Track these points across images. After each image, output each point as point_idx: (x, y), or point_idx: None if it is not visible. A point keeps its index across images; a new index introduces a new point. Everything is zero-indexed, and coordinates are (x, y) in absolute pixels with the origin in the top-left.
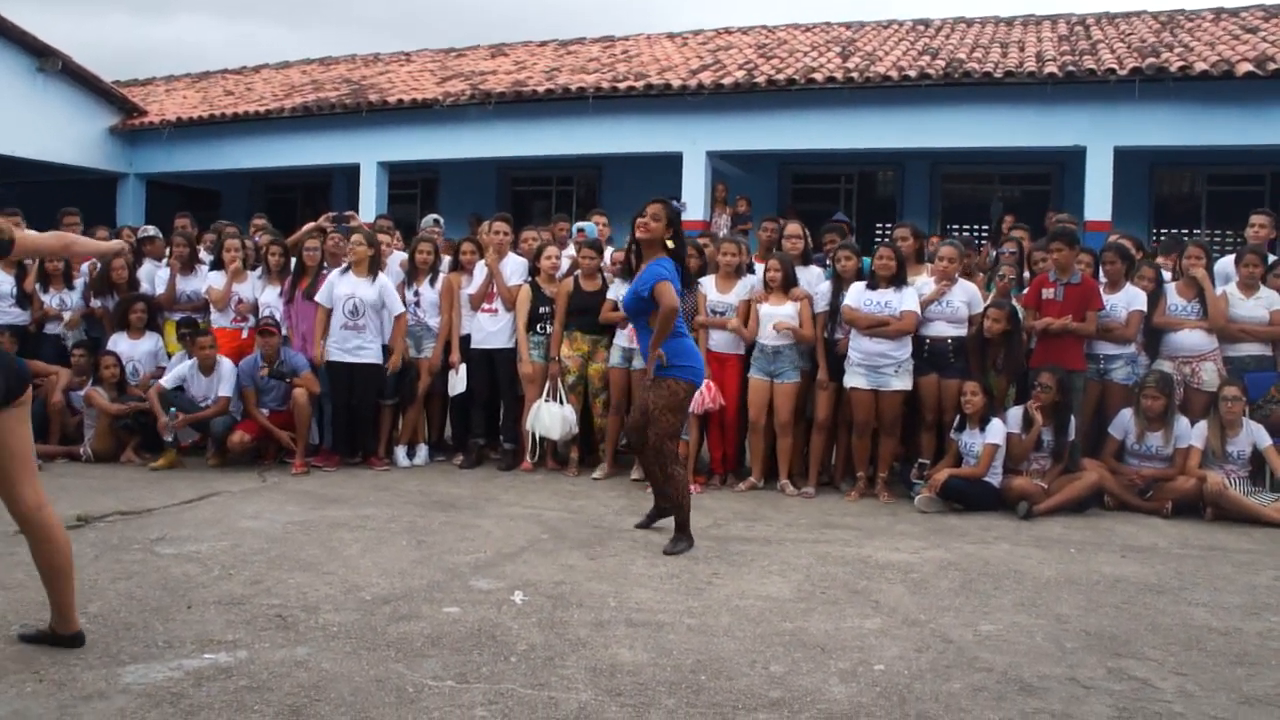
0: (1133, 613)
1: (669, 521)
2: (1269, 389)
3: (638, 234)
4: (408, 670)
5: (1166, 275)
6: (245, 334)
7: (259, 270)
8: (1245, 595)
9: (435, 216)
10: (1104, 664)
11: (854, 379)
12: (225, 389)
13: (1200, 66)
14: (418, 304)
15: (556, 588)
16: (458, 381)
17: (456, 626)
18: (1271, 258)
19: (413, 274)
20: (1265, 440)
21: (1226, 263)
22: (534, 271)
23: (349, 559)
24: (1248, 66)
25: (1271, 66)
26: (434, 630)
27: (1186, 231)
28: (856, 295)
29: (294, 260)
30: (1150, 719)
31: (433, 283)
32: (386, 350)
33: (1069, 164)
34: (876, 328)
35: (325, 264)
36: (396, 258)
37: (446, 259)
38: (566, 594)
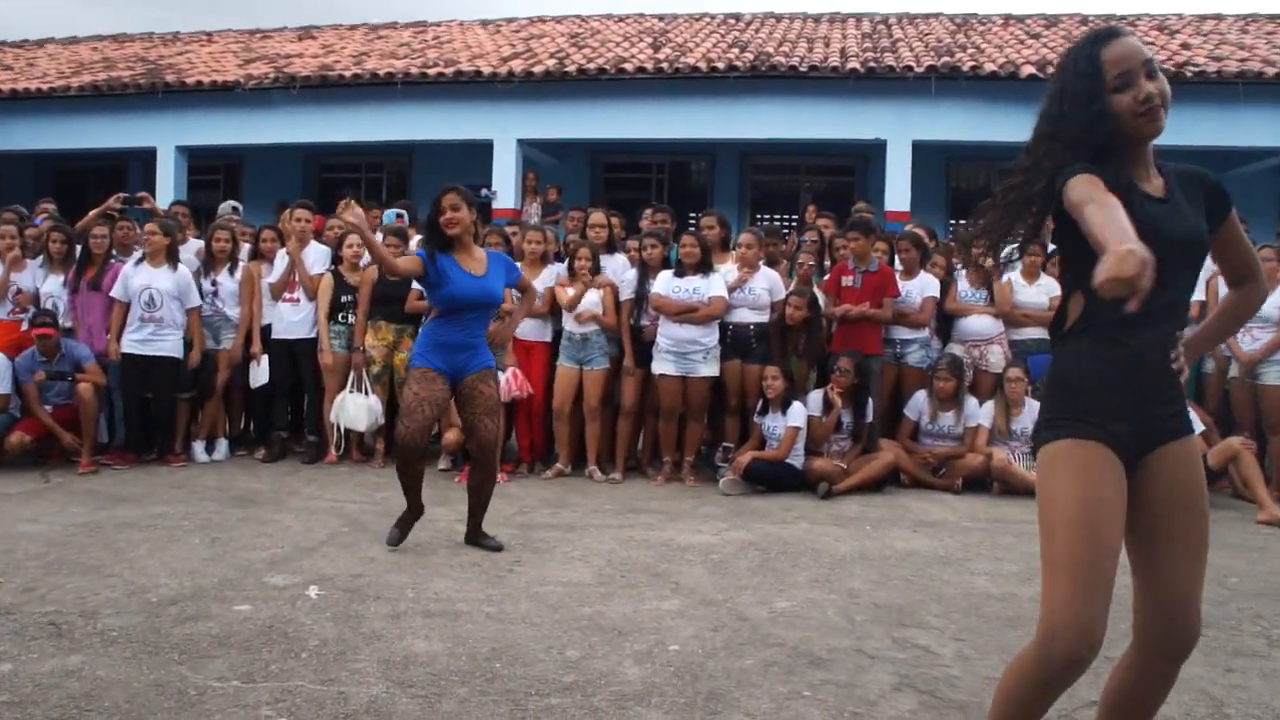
0: (920, 584)
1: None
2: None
3: (450, 231)
4: (191, 673)
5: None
6: (25, 326)
7: (40, 258)
8: (1023, 563)
9: (233, 204)
10: (890, 634)
11: (662, 365)
12: (1, 386)
13: (989, 67)
14: (216, 294)
15: (354, 581)
16: (259, 373)
17: (246, 625)
18: (1051, 247)
19: (210, 263)
20: None
21: (1011, 251)
22: (337, 260)
23: (135, 560)
24: (1030, 69)
25: (1050, 70)
26: (222, 630)
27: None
28: (665, 283)
29: (79, 248)
30: (929, 683)
31: (231, 272)
32: (187, 343)
33: (872, 156)
34: (685, 314)
35: (115, 253)
36: (193, 246)
37: (246, 247)
38: (364, 587)
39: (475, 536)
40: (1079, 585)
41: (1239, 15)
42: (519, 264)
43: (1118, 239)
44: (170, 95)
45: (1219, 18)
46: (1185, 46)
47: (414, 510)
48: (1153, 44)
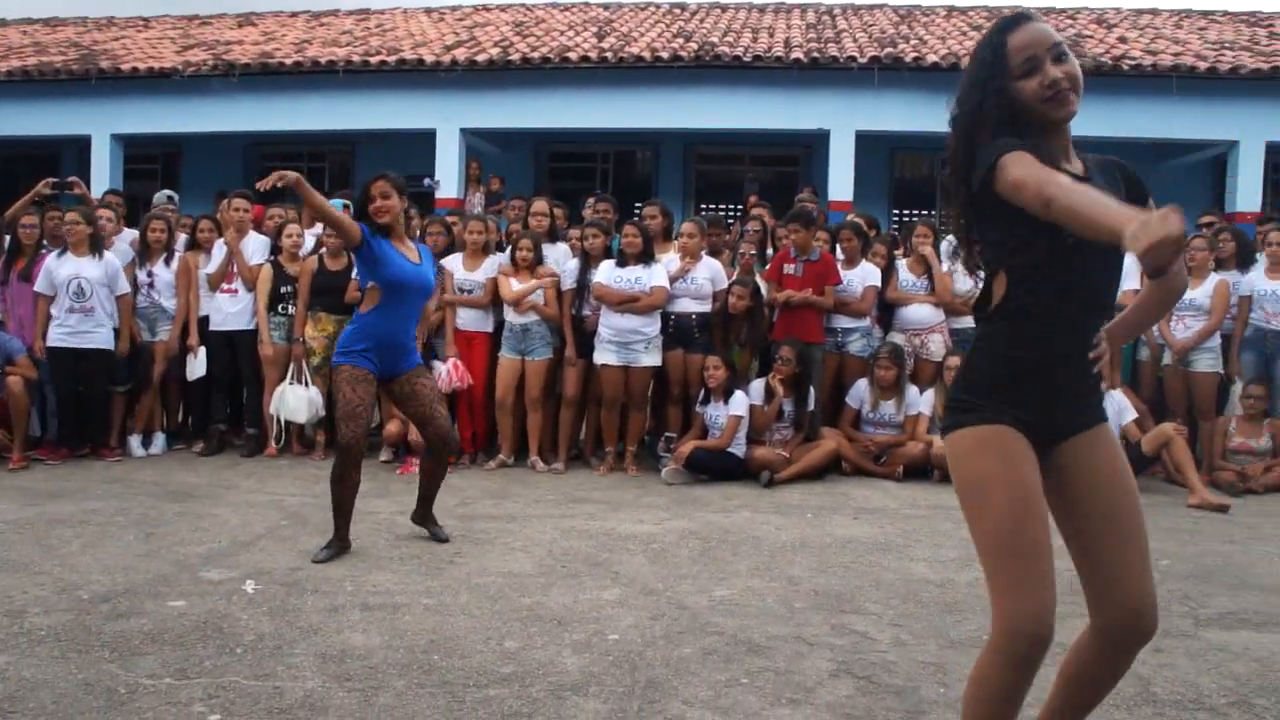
0: (859, 571)
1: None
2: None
3: (381, 220)
4: (122, 670)
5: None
6: None
7: None
8: (961, 549)
9: (169, 193)
10: (829, 621)
11: (604, 355)
12: None
13: (932, 58)
14: (151, 285)
15: (292, 574)
16: (197, 365)
17: (181, 621)
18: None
19: (146, 253)
20: None
21: (952, 240)
22: (276, 250)
23: (67, 557)
24: None
25: None
26: (155, 627)
27: (924, 212)
28: (606, 272)
29: (8, 238)
30: (866, 669)
31: (168, 262)
32: (118, 334)
33: (815, 146)
34: (627, 304)
35: (46, 243)
36: (127, 235)
37: (183, 237)
38: (302, 580)
39: (426, 520)
40: (1027, 570)
41: (1173, 10)
42: (454, 255)
43: (1123, 210)
44: (105, 82)
45: (1155, 12)
46: (1122, 40)
47: (341, 540)
48: (1091, 37)
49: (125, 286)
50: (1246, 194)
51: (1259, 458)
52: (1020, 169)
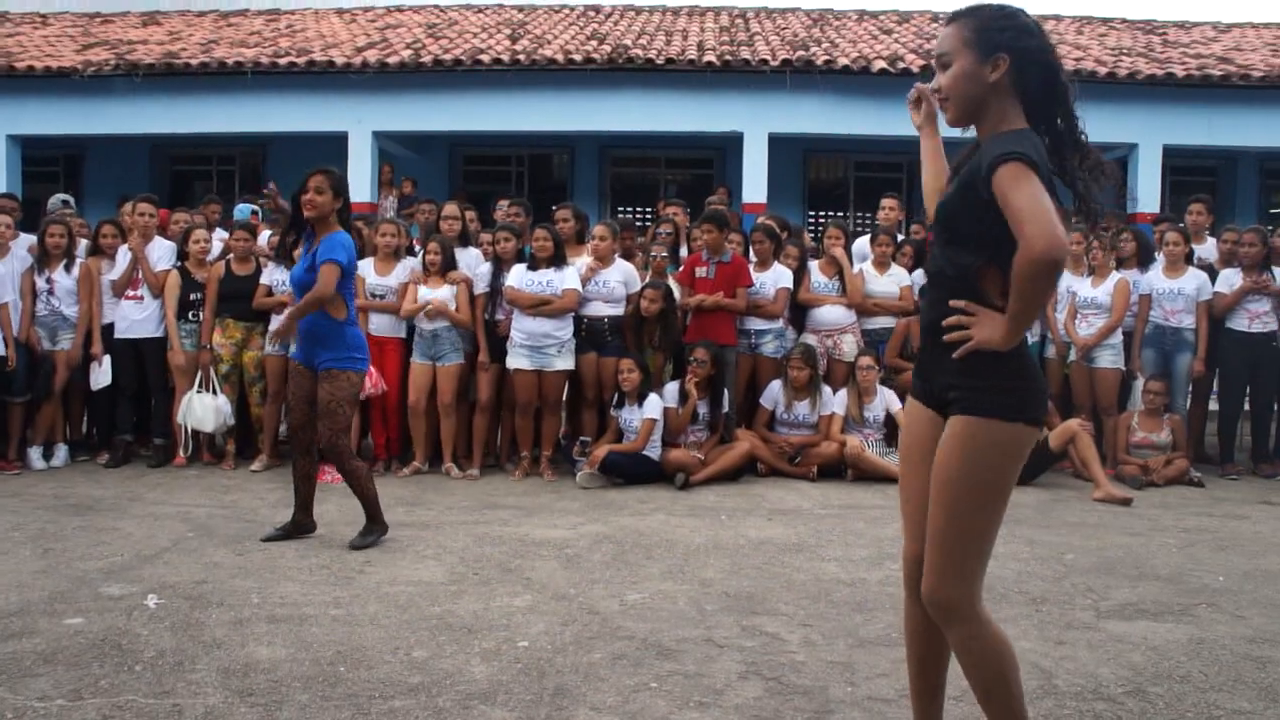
0: (771, 572)
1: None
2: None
3: (305, 212)
4: (9, 694)
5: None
6: None
7: None
8: (872, 548)
9: (63, 197)
10: (739, 623)
11: (517, 360)
12: None
13: (842, 61)
14: (51, 292)
15: (197, 588)
16: (101, 374)
17: (77, 639)
18: (900, 237)
19: (44, 259)
20: (896, 405)
21: (863, 242)
22: (183, 255)
23: None
24: (882, 64)
25: (901, 65)
26: (49, 646)
27: (837, 213)
28: (518, 276)
29: None
30: (775, 670)
31: (68, 269)
32: (20, 343)
33: (729, 148)
34: (538, 307)
35: None
36: (24, 241)
37: (84, 243)
38: (207, 594)
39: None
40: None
41: (1075, 17)
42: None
43: None
44: (0, 81)
45: (1058, 18)
46: None
47: (294, 520)
48: None
49: (7, 294)
50: (1146, 196)
51: (1160, 451)
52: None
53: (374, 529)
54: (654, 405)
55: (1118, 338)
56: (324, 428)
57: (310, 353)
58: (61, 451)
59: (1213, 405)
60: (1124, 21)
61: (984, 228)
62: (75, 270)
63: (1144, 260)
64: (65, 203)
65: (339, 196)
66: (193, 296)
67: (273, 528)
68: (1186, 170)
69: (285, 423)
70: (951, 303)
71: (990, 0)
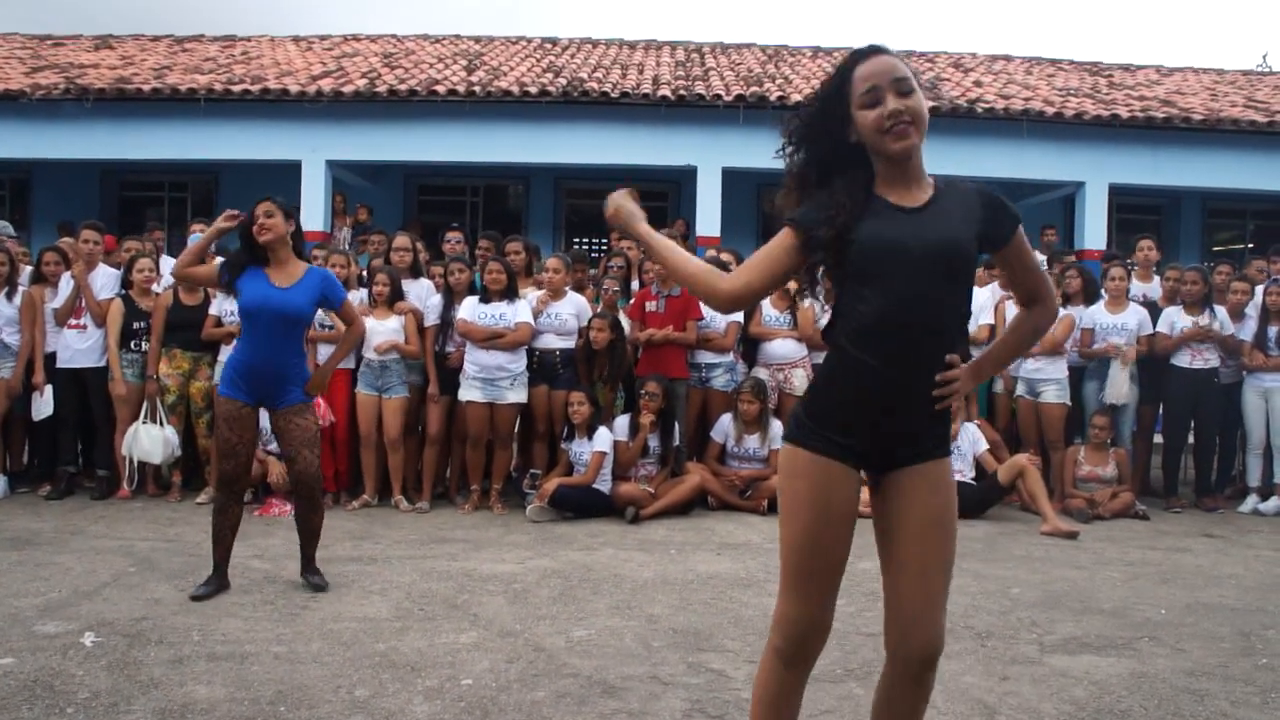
0: (719, 608)
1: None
2: None
3: (261, 238)
4: None
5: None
6: None
7: None
8: None
9: (3, 223)
10: (685, 659)
11: (469, 392)
12: None
13: (796, 97)
14: None
15: (136, 625)
16: (43, 404)
17: (7, 680)
18: None
19: None
20: None
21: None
22: (127, 284)
23: None
24: None
25: None
26: None
27: None
28: (470, 309)
29: None
30: (720, 707)
31: (9, 296)
32: None
33: (684, 182)
34: (491, 340)
35: None
36: None
37: (27, 270)
38: (146, 631)
39: (305, 570)
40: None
41: (1025, 57)
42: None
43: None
44: None
45: (1008, 59)
46: (978, 84)
47: (220, 577)
48: (948, 80)
49: None
50: (1093, 233)
51: (1106, 485)
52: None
53: (316, 570)
54: (603, 438)
55: (1063, 372)
56: (304, 461)
57: (270, 392)
58: (0, 483)
59: (1157, 439)
60: (1071, 63)
61: (973, 277)
62: (17, 298)
63: (1089, 296)
64: (5, 229)
65: (290, 220)
66: (136, 325)
67: (201, 586)
68: (1132, 209)
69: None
70: (949, 357)
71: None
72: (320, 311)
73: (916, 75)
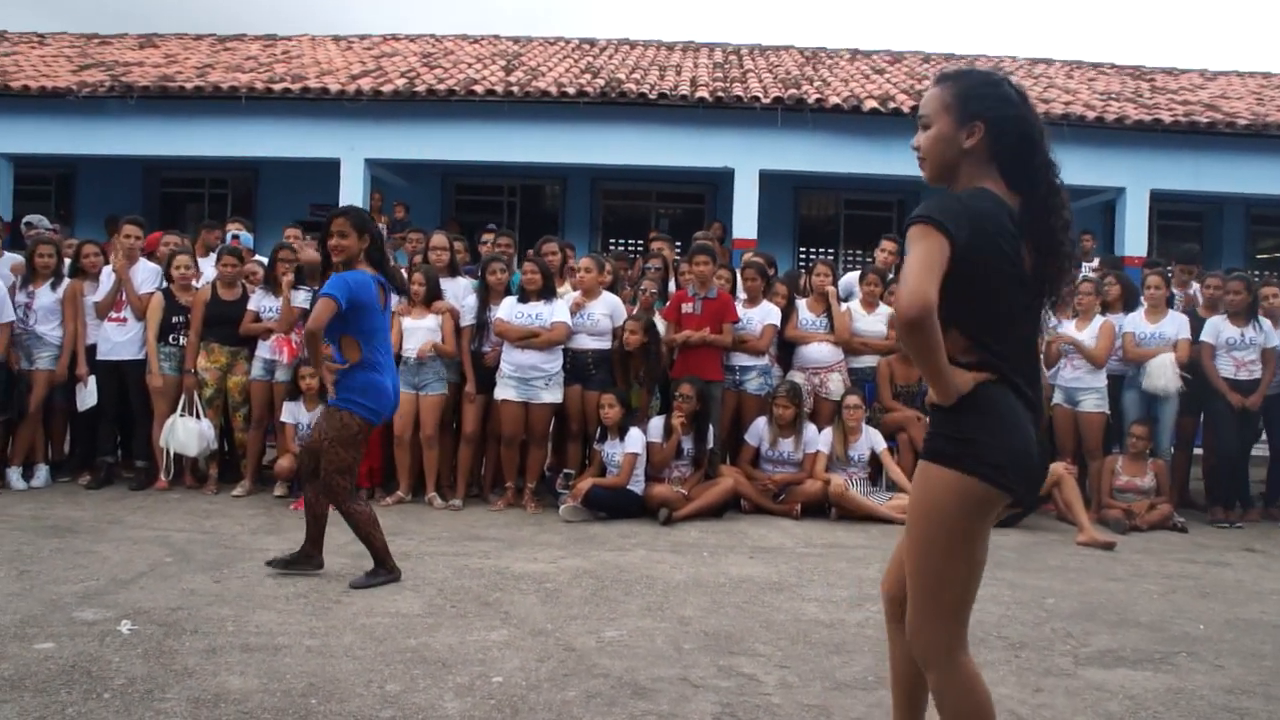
0: (751, 611)
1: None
2: (874, 397)
3: (334, 257)
4: None
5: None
6: None
7: None
8: (853, 588)
9: (36, 217)
10: (716, 662)
11: (504, 391)
12: None
13: (834, 100)
14: (29, 307)
15: (171, 614)
16: (86, 395)
17: (46, 664)
18: (891, 276)
19: (31, 278)
20: (881, 445)
21: (851, 279)
22: (169, 278)
23: None
24: (873, 104)
25: (892, 105)
26: (17, 671)
27: (828, 251)
28: (508, 308)
29: None
30: (750, 712)
31: (54, 288)
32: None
33: (721, 184)
34: (526, 339)
35: None
36: (8, 260)
37: (68, 263)
38: (181, 620)
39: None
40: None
41: (1065, 61)
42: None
43: None
44: None
45: (1048, 62)
46: None
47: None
48: None
49: (10, 314)
50: (1133, 239)
51: (1144, 496)
52: None
53: (380, 572)
54: (635, 439)
55: (1102, 381)
56: (320, 468)
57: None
58: (42, 472)
59: (1196, 451)
60: (1113, 67)
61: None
62: (60, 290)
63: (1129, 304)
64: (30, 224)
65: (364, 235)
66: (175, 319)
67: (281, 555)
68: (1174, 215)
69: (272, 449)
70: None
71: (977, 68)
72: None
73: (958, 97)
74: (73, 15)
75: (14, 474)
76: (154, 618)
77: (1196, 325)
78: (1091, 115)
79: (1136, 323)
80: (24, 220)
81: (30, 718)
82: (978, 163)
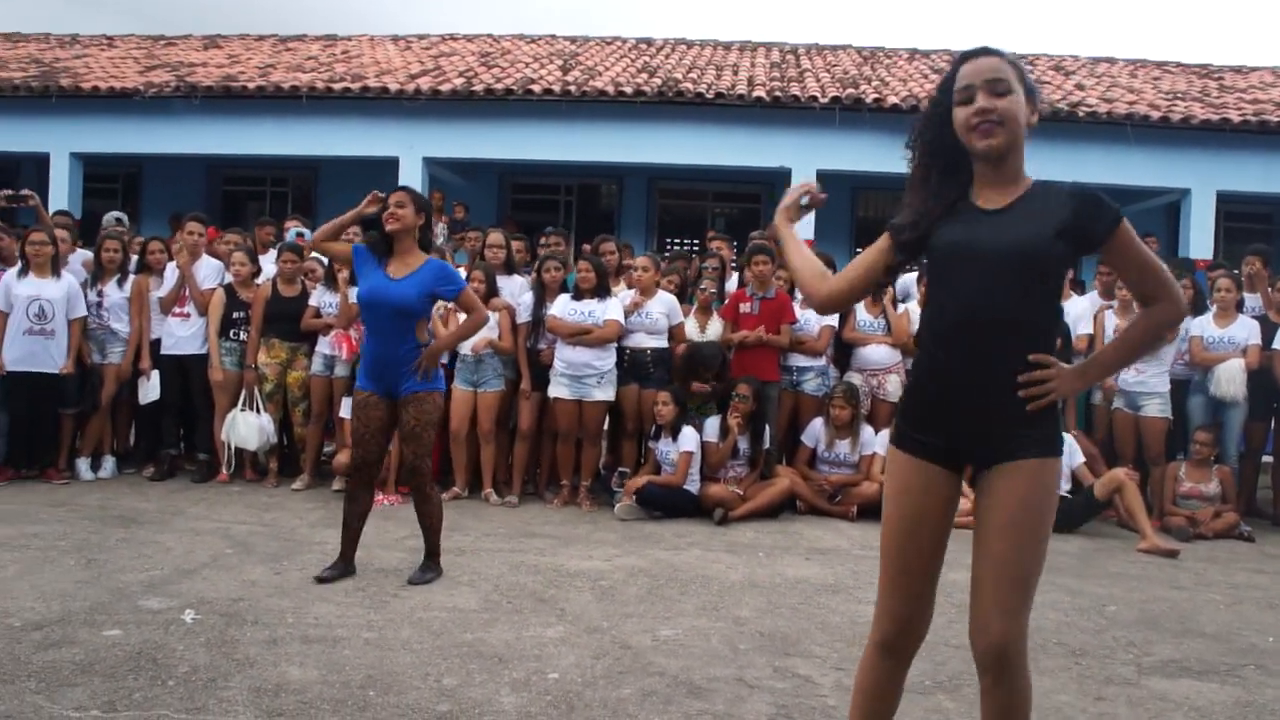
0: (807, 613)
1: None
2: None
3: (388, 227)
4: (47, 702)
5: None
6: None
7: None
8: None
9: (117, 214)
10: (772, 663)
11: (558, 389)
12: None
13: (892, 100)
14: (101, 305)
15: (233, 605)
16: (150, 389)
17: (114, 651)
18: None
19: (99, 274)
20: None
21: (909, 280)
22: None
23: (2, 583)
24: None
25: None
26: (88, 656)
27: None
28: (561, 305)
29: None
30: (806, 714)
31: (121, 284)
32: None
33: (778, 184)
34: (578, 336)
35: None
36: (80, 256)
37: (134, 259)
38: (243, 611)
39: (422, 564)
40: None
41: (1129, 60)
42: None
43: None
44: (65, 100)
45: (1111, 61)
46: (1079, 87)
47: (346, 562)
48: (1049, 83)
49: (83, 309)
50: (1199, 242)
51: (1208, 503)
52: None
53: (432, 567)
54: (690, 438)
55: (1165, 386)
56: (409, 452)
57: (391, 382)
58: (109, 463)
59: (1266, 459)
60: (1179, 65)
61: (1062, 279)
62: (127, 286)
63: (1197, 307)
64: (118, 220)
65: (421, 213)
66: (236, 315)
67: (328, 569)
68: (1241, 217)
69: (332, 445)
70: (1034, 357)
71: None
72: None
73: (1025, 80)
74: (139, 17)
75: (83, 465)
76: (216, 608)
77: (1269, 330)
78: (1156, 115)
79: (1205, 326)
80: (107, 217)
81: (99, 701)
82: (1023, 147)
